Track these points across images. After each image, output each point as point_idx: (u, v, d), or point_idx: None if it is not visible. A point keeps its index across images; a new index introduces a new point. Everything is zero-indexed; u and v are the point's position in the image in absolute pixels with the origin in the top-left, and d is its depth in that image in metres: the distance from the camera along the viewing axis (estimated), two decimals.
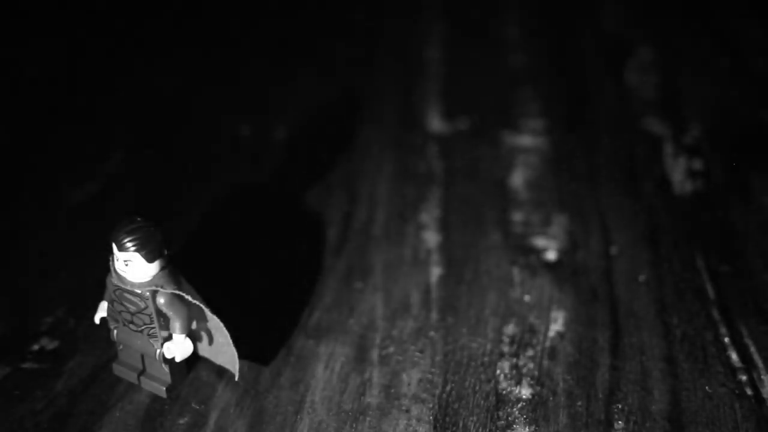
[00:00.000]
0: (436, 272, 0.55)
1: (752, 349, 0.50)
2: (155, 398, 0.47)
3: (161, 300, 0.45)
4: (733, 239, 0.57)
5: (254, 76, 0.72)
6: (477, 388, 0.48)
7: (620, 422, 0.46)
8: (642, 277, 0.54)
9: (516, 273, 0.55)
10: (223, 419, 0.46)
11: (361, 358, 0.49)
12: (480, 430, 0.46)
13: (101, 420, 0.46)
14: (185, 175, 0.62)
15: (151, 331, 0.45)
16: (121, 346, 0.47)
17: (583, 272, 0.55)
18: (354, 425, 0.46)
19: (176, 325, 0.45)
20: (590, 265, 0.55)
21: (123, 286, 0.45)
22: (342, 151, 0.65)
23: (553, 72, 0.73)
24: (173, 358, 0.46)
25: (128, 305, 0.45)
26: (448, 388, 0.48)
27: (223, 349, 0.47)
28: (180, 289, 0.44)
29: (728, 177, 0.62)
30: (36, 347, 0.50)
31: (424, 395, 0.47)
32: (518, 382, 0.48)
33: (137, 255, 0.43)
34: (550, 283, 0.54)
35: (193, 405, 0.47)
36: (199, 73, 0.72)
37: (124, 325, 0.46)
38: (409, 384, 0.48)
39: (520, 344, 0.50)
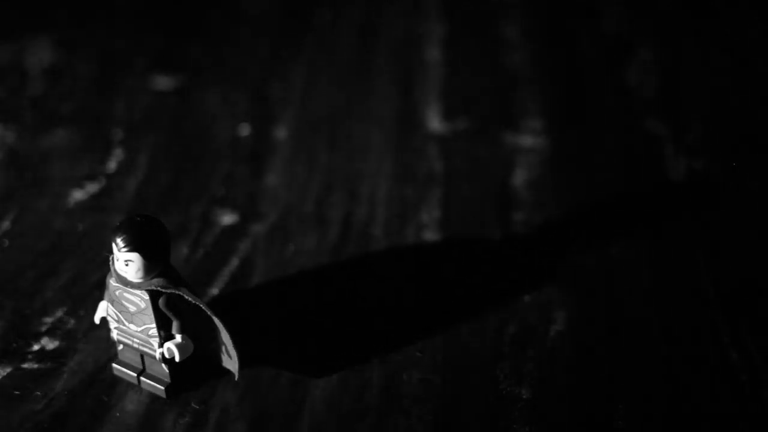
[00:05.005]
0: (436, 272, 0.55)
1: (752, 349, 0.50)
2: (155, 398, 0.47)
3: (161, 300, 0.45)
4: (734, 239, 0.57)
5: (254, 75, 0.72)
6: (477, 388, 0.48)
7: (620, 422, 0.46)
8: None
9: (516, 273, 0.55)
10: (223, 419, 0.46)
11: (361, 358, 0.49)
12: (480, 430, 0.46)
13: (101, 420, 0.46)
14: (185, 175, 0.62)
15: (151, 332, 0.45)
16: (121, 346, 0.47)
17: (583, 272, 0.55)
18: (354, 425, 0.46)
19: (176, 325, 0.45)
20: (590, 265, 0.55)
21: (123, 286, 0.45)
22: (342, 151, 0.65)
23: (553, 72, 0.73)
24: (173, 358, 0.46)
25: (128, 305, 0.45)
26: (448, 388, 0.48)
27: (223, 350, 0.47)
28: (180, 290, 0.44)
29: (728, 177, 0.62)
30: (36, 347, 0.50)
31: (424, 395, 0.47)
32: (518, 382, 0.48)
33: (137, 255, 0.43)
34: (550, 283, 0.54)
35: (193, 405, 0.47)
36: (199, 73, 0.72)
37: (125, 325, 0.46)
38: (409, 384, 0.48)
39: (520, 344, 0.50)
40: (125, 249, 0.44)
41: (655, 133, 0.66)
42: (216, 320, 0.45)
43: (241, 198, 0.60)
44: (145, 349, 0.46)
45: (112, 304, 0.46)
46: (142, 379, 0.47)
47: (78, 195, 0.60)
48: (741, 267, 0.55)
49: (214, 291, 0.53)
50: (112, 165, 0.62)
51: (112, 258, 0.45)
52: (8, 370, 0.48)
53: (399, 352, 0.50)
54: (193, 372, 0.48)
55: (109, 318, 0.47)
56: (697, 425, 0.46)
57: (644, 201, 0.60)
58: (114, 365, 0.48)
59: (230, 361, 0.46)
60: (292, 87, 0.71)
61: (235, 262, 0.55)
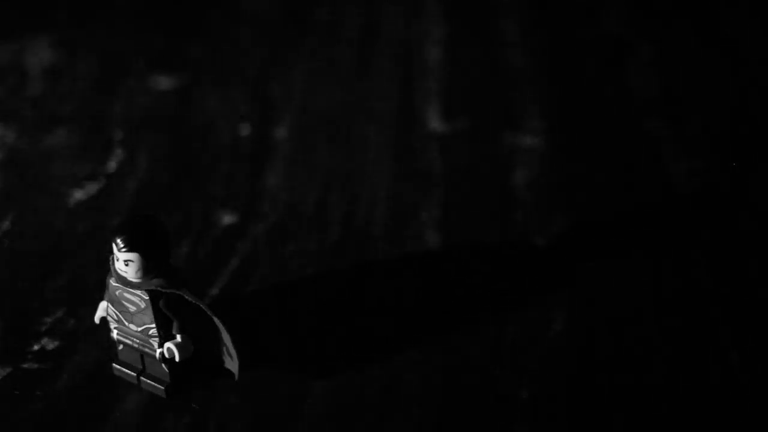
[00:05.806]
0: (436, 272, 0.55)
1: (752, 349, 0.50)
2: (155, 398, 0.47)
3: (162, 300, 0.45)
4: (734, 239, 0.57)
5: (254, 75, 0.72)
6: (477, 388, 0.48)
7: (620, 423, 0.46)
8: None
9: (516, 272, 0.55)
10: (223, 419, 0.46)
11: (361, 357, 0.49)
12: (480, 430, 0.46)
13: (101, 420, 0.46)
14: (185, 175, 0.62)
15: (151, 332, 0.45)
16: (121, 346, 0.47)
17: (583, 272, 0.55)
18: (354, 425, 0.46)
19: (176, 325, 0.45)
20: (590, 265, 0.55)
21: (123, 286, 0.45)
22: (342, 150, 0.65)
23: (553, 72, 0.73)
24: (173, 358, 0.46)
25: (128, 305, 0.45)
26: (448, 388, 0.48)
27: (223, 350, 0.47)
28: (180, 290, 0.44)
29: (728, 177, 0.62)
30: (36, 347, 0.50)
31: (424, 395, 0.47)
32: (518, 382, 0.48)
33: (137, 255, 0.43)
34: (550, 283, 0.54)
35: (193, 405, 0.47)
36: (199, 73, 0.72)
37: (125, 325, 0.46)
38: (409, 384, 0.48)
39: (520, 344, 0.50)
40: (125, 249, 0.44)
41: (655, 133, 0.66)
42: (216, 320, 0.45)
43: (241, 198, 0.60)
44: (145, 349, 0.46)
45: (112, 304, 0.46)
46: (142, 379, 0.47)
47: (78, 195, 0.60)
48: (741, 267, 0.55)
49: (214, 291, 0.53)
50: (112, 165, 0.62)
51: (112, 258, 0.45)
52: (8, 370, 0.48)
53: (399, 352, 0.50)
54: (193, 372, 0.48)
55: (109, 318, 0.47)
56: (698, 426, 0.46)
57: (644, 201, 0.60)
58: (114, 365, 0.48)
59: (230, 362, 0.46)
60: (292, 87, 0.71)
61: (235, 262, 0.55)
